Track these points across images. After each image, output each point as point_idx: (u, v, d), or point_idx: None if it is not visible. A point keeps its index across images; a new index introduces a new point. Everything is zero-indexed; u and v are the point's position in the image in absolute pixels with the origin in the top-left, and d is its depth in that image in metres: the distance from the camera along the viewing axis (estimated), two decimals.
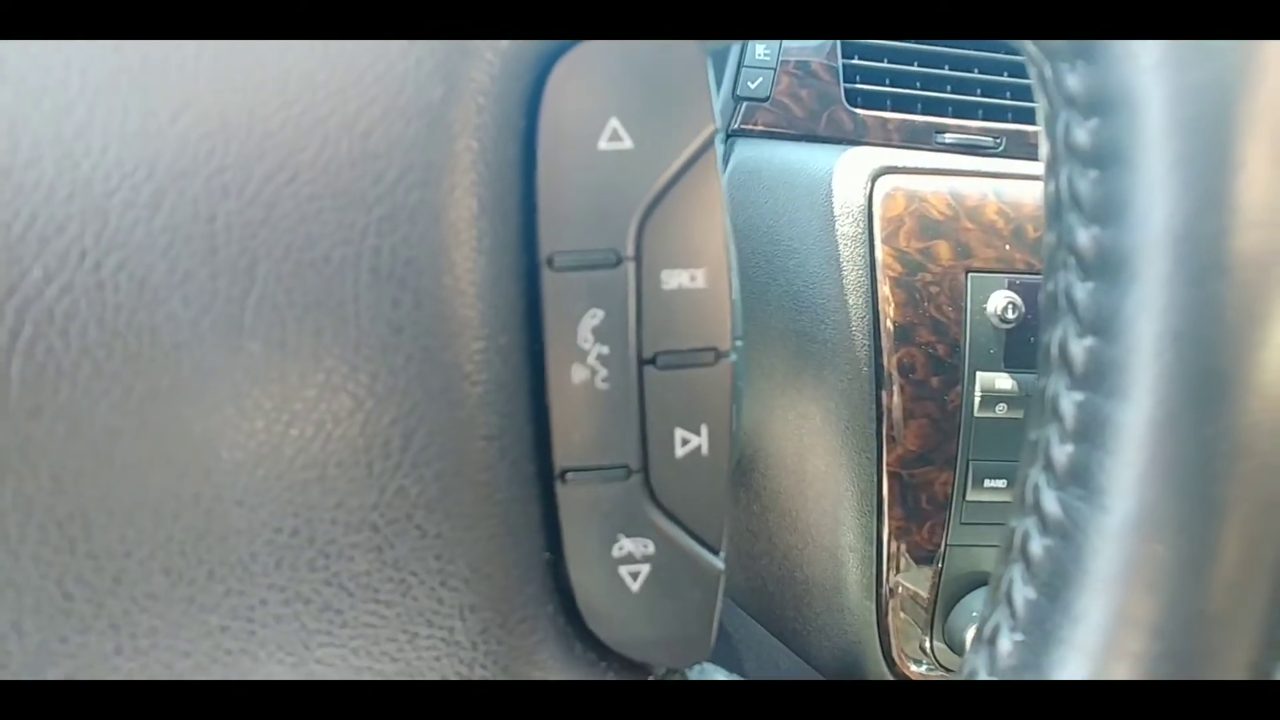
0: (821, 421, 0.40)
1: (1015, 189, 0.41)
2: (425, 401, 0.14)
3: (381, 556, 0.14)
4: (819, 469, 0.40)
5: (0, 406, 0.12)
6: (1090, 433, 0.13)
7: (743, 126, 0.45)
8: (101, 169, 0.13)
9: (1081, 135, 0.14)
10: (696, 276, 0.15)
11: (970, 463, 0.38)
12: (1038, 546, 0.14)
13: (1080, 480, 0.13)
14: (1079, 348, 0.13)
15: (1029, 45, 0.15)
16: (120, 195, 0.13)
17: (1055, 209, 0.14)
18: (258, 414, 0.13)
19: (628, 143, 0.14)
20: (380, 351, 0.13)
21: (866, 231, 0.39)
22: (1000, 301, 0.39)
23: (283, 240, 0.13)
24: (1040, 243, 0.36)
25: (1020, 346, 0.39)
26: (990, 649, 0.14)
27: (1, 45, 0.13)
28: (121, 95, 0.13)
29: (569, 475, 0.14)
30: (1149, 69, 0.13)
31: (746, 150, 0.45)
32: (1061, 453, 0.14)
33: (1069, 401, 0.13)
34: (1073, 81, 0.14)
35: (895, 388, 0.39)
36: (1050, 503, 0.14)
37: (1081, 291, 0.14)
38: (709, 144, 0.14)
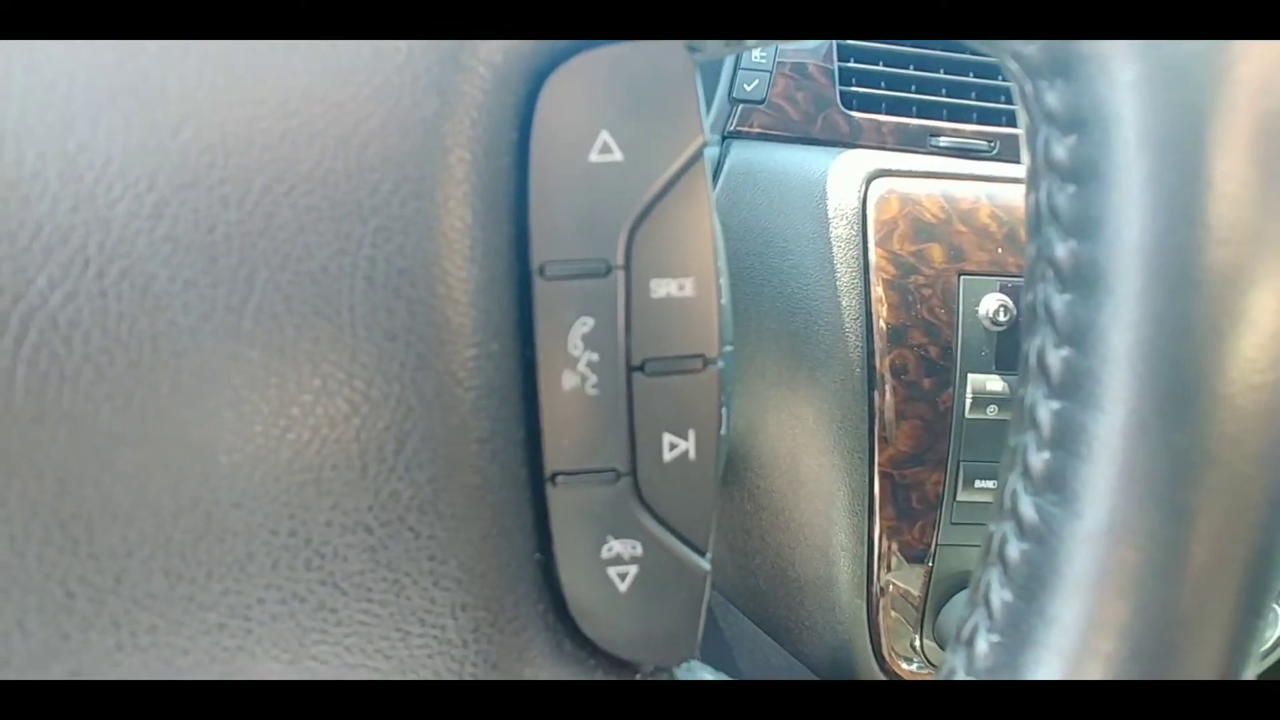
0: (814, 421, 0.40)
1: (1008, 192, 0.41)
2: (419, 407, 0.14)
3: (375, 557, 0.14)
4: (811, 468, 0.41)
5: (5, 411, 0.13)
6: (1065, 441, 0.13)
7: (738, 129, 0.45)
8: (104, 180, 0.13)
9: (1060, 151, 0.14)
10: (685, 285, 0.15)
11: (961, 464, 0.39)
12: (1014, 550, 0.14)
13: (1055, 487, 0.14)
14: (1056, 358, 0.14)
15: (1011, 63, 0.15)
16: (123, 206, 0.13)
17: (1035, 222, 0.15)
18: (256, 419, 0.14)
19: (618, 155, 0.14)
20: (375, 358, 0.14)
21: (860, 234, 0.40)
22: (992, 304, 0.39)
23: (281, 250, 0.13)
24: None
25: (1012, 349, 0.39)
26: (968, 649, 0.15)
27: (7, 61, 0.13)
28: (124, 109, 0.13)
29: (559, 478, 0.15)
30: (1125, 88, 0.13)
31: (742, 152, 0.45)
32: (1038, 460, 0.14)
33: (1046, 410, 0.14)
34: (1052, 99, 0.14)
35: (887, 389, 0.39)
36: (1027, 508, 0.14)
37: (1059, 303, 0.14)
38: (698, 156, 0.15)
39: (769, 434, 0.42)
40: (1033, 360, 0.14)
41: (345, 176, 0.14)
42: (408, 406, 0.14)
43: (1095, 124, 0.13)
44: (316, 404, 0.14)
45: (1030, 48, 0.14)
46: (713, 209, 0.15)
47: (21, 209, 0.13)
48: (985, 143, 0.46)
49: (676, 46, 0.15)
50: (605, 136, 0.14)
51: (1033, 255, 0.15)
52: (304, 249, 0.13)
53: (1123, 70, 0.13)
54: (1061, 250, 0.14)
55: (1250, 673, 0.14)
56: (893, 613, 0.40)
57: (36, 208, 0.13)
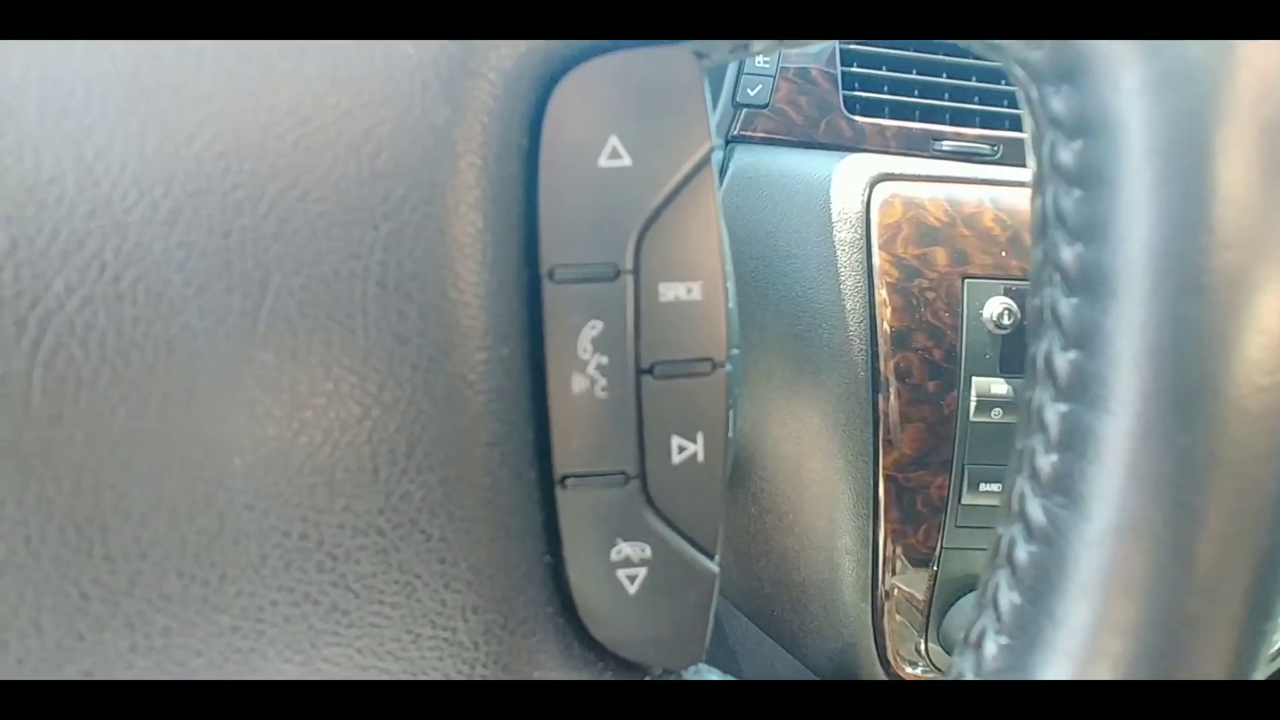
0: (819, 425, 0.40)
1: (1012, 196, 0.41)
2: (430, 409, 0.14)
3: (387, 559, 0.14)
4: (816, 472, 0.41)
5: (24, 413, 0.13)
6: (1073, 443, 0.14)
7: (742, 133, 0.45)
8: (121, 187, 0.13)
9: (1066, 156, 0.14)
10: (693, 289, 0.15)
11: (966, 467, 0.39)
12: (1023, 552, 0.14)
13: (1063, 489, 0.14)
14: (1063, 360, 0.14)
15: (1017, 69, 0.15)
16: (139, 211, 0.13)
17: (1041, 226, 0.15)
18: (269, 421, 0.14)
19: (627, 160, 0.15)
20: (387, 361, 0.14)
21: (864, 238, 0.40)
22: (996, 308, 0.39)
23: (294, 255, 0.13)
24: None
25: (1016, 352, 0.39)
26: (976, 652, 0.15)
27: (26, 69, 0.13)
28: (140, 117, 0.13)
29: (569, 481, 0.15)
30: (1130, 94, 0.13)
31: (746, 156, 0.45)
32: (1046, 462, 0.14)
33: (1053, 412, 0.14)
34: (1058, 104, 0.14)
35: (892, 392, 0.39)
36: (1035, 510, 0.14)
37: (1066, 306, 0.14)
38: (705, 161, 0.15)
39: (773, 437, 0.42)
40: (1040, 363, 0.14)
41: (357, 182, 0.14)
42: (419, 409, 0.14)
43: (1101, 129, 0.13)
44: (329, 407, 0.14)
45: (1036, 54, 0.14)
46: (720, 214, 0.15)
47: (39, 214, 0.13)
48: (988, 146, 0.46)
49: (684, 52, 0.15)
50: (614, 142, 0.15)
51: (1039, 259, 0.15)
52: (316, 254, 0.14)
53: (1128, 76, 0.13)
54: (1068, 254, 0.14)
55: (1259, 675, 0.14)
56: (897, 616, 0.40)
57: (54, 213, 0.13)
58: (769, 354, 0.42)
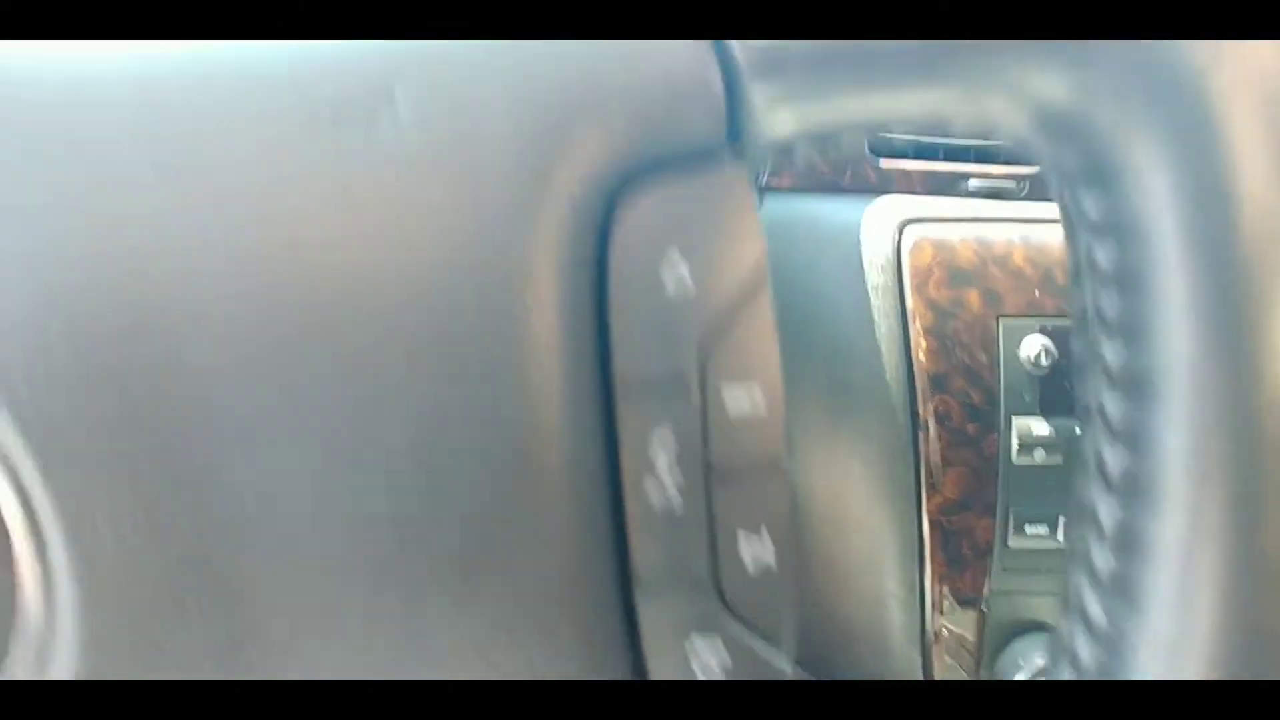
0: (860, 471, 0.41)
1: (1041, 233, 0.41)
2: (516, 523, 0.15)
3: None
4: (859, 518, 0.41)
5: None
6: (1128, 544, 0.14)
7: (770, 184, 0.46)
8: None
9: (1101, 257, 0.15)
10: (754, 391, 0.16)
11: (1010, 509, 0.39)
12: (1086, 655, 0.15)
13: (1122, 592, 0.14)
14: (1112, 457, 0.14)
15: (1049, 170, 0.16)
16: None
17: (1082, 321, 0.15)
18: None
19: (686, 271, 0.15)
20: (475, 479, 0.15)
21: (896, 281, 0.40)
22: (1033, 347, 0.39)
23: (393, 390, 0.15)
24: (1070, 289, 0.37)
25: (1056, 392, 0.39)
26: None
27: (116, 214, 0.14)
28: (238, 266, 0.14)
29: (646, 585, 0.16)
30: (1162, 200, 0.14)
31: (774, 207, 0.46)
32: (1103, 561, 0.14)
33: (1106, 511, 0.14)
34: (1090, 207, 0.15)
35: (932, 436, 0.39)
36: (1095, 611, 0.15)
37: (1111, 402, 0.15)
38: (760, 268, 0.16)
39: (814, 484, 0.43)
40: (1090, 459, 0.15)
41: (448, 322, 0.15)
42: (506, 524, 0.15)
43: (1134, 235, 0.14)
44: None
45: (1068, 157, 0.15)
46: (774, 315, 0.16)
47: None
48: (1014, 183, 0.46)
49: (735, 170, 0.16)
50: (674, 255, 0.15)
51: (1083, 354, 0.15)
52: (414, 379, 0.15)
53: (1159, 182, 0.14)
54: (1110, 352, 0.15)
55: None
56: (947, 659, 0.40)
57: None
58: (806, 403, 0.43)
